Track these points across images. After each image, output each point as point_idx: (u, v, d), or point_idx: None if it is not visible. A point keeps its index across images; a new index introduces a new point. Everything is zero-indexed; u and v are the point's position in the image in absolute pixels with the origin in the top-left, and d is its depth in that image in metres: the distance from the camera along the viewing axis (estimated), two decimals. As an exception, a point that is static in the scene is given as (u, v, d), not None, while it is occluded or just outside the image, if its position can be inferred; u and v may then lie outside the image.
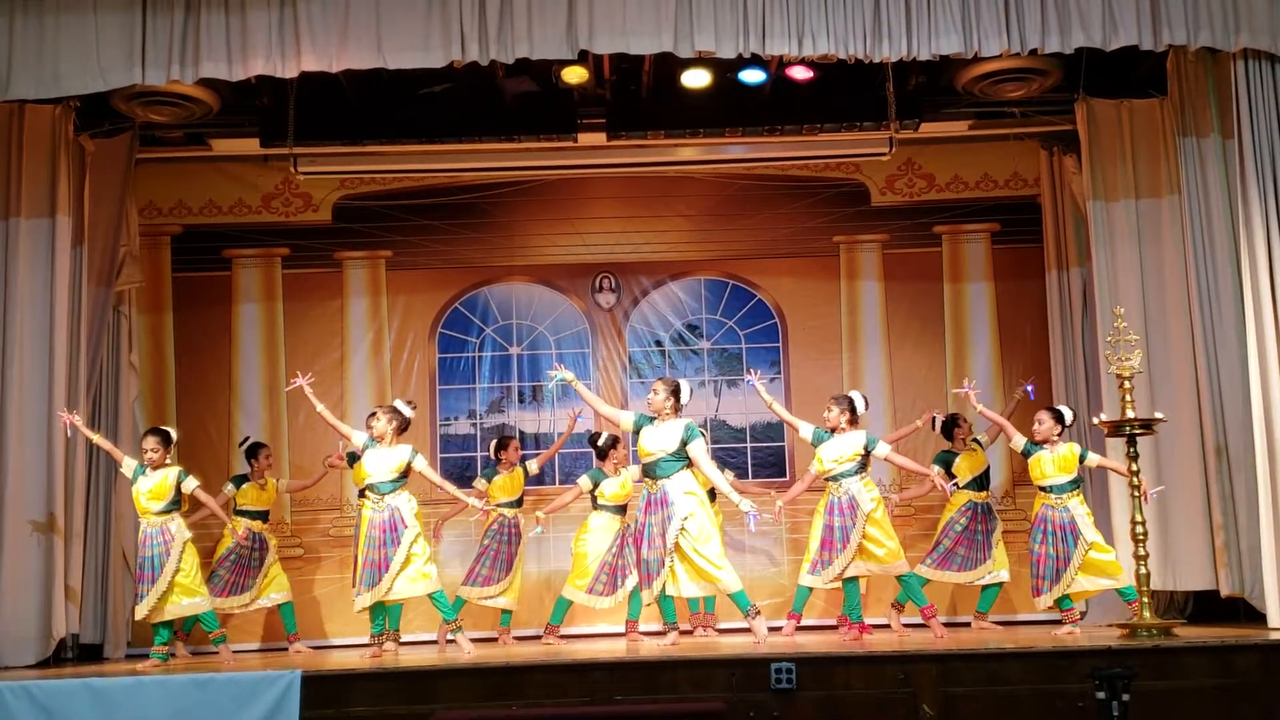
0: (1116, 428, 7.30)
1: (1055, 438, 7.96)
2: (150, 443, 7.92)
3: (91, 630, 8.69)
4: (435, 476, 8.05)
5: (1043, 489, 7.97)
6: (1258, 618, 7.49)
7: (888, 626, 8.54)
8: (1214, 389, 7.95)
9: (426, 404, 10.08)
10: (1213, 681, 6.20)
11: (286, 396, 9.85)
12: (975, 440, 8.91)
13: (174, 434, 8.18)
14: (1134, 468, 7.27)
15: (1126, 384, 7.25)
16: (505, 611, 8.92)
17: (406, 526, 7.65)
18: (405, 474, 7.81)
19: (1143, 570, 7.17)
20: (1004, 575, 8.72)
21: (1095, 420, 7.63)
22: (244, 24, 7.25)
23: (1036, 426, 8.00)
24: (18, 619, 7.80)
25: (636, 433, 7.66)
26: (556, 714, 6.15)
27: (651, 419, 7.63)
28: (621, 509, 8.70)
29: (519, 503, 9.02)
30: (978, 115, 9.57)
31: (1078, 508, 7.89)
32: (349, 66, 7.43)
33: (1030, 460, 8.02)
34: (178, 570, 7.77)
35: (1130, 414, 7.22)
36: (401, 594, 7.65)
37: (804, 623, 8.46)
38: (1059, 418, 8.02)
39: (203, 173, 10.09)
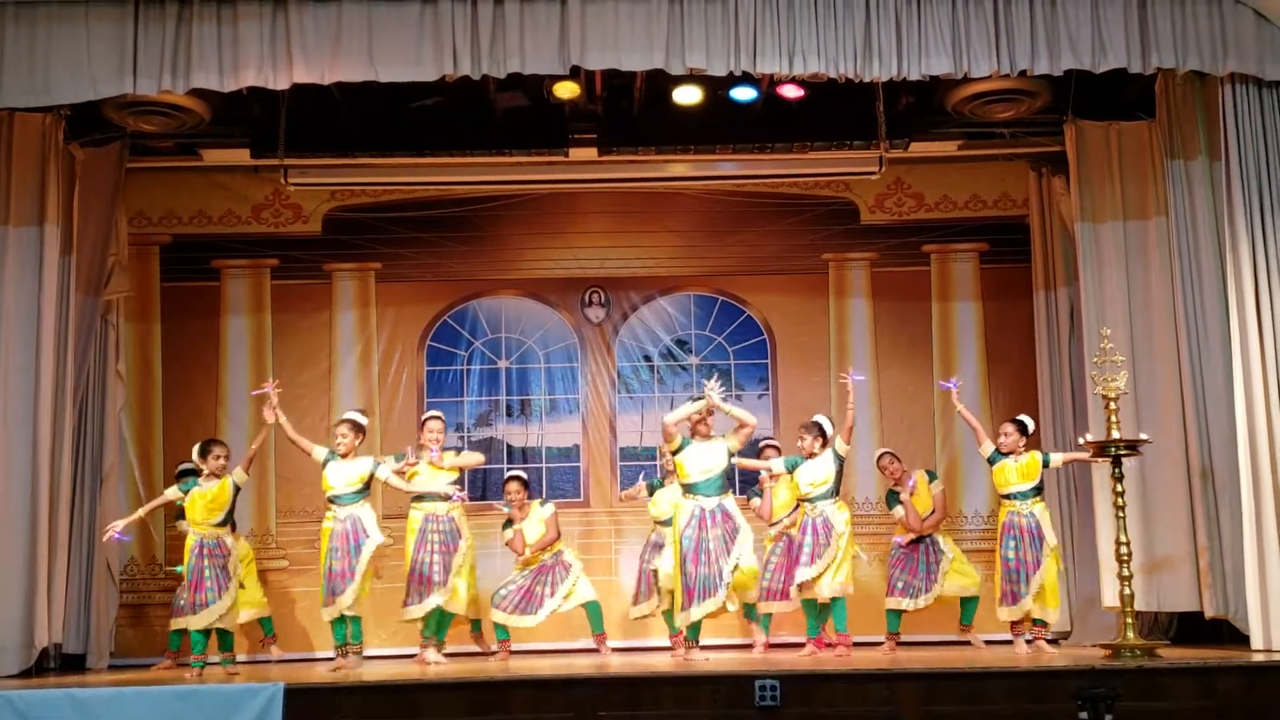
0: (1102, 448, 7.32)
1: (1020, 448, 8.04)
2: (221, 450, 7.91)
3: (74, 640, 8.66)
4: (401, 482, 8.03)
5: (1006, 496, 8.04)
6: (1241, 639, 7.50)
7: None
8: (1199, 411, 7.98)
9: (414, 417, 10.06)
10: (1196, 703, 6.19)
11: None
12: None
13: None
14: (1119, 489, 7.28)
15: (1112, 405, 7.27)
16: (473, 620, 8.81)
17: (368, 536, 7.72)
18: (368, 485, 7.87)
19: (1127, 591, 7.18)
20: (973, 590, 8.71)
21: (1081, 441, 7.65)
22: (235, 35, 7.25)
23: (1002, 439, 8.08)
24: (0, 628, 7.76)
25: (676, 453, 7.84)
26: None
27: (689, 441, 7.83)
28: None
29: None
30: (967, 135, 9.61)
31: (1042, 513, 7.98)
32: (340, 78, 7.43)
33: (995, 468, 8.09)
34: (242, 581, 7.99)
35: (1116, 435, 7.24)
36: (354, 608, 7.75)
37: (785, 640, 8.59)
38: (1022, 428, 8.10)
39: (193, 183, 10.08)
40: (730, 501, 7.79)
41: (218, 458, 7.93)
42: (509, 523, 8.63)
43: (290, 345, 10.11)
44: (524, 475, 8.82)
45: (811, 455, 8.09)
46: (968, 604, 8.77)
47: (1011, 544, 7.93)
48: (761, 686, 6.08)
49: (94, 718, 6.06)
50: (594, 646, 8.71)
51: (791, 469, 8.17)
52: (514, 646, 9.20)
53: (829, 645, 8.12)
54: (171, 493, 8.05)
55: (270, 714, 6.03)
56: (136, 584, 9.62)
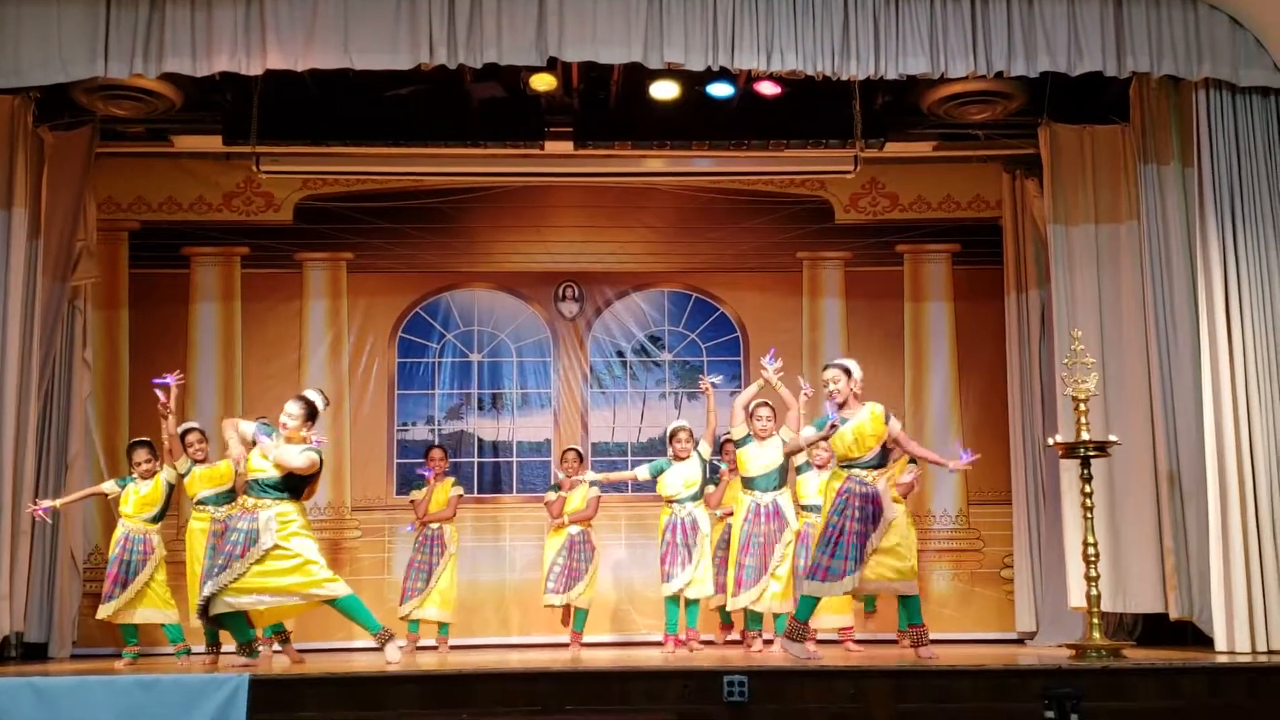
0: (1070, 449, 7.33)
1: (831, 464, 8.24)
2: (143, 455, 8.06)
3: (36, 629, 8.58)
4: (248, 453, 7.10)
5: (803, 507, 8.23)
6: (1205, 641, 7.55)
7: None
8: (1168, 413, 8.03)
9: (384, 409, 10.03)
10: (1161, 703, 6.22)
11: (243, 396, 9.83)
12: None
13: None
14: (1087, 490, 7.30)
15: (1082, 406, 7.29)
16: (442, 622, 8.92)
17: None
18: (234, 486, 8.00)
19: (1094, 591, 7.20)
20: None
21: (1050, 441, 7.66)
22: (209, 19, 7.18)
23: (820, 453, 8.24)
24: (-39, 616, 7.68)
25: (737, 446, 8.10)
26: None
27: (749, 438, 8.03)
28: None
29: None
30: (942, 136, 9.64)
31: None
32: (315, 66, 7.37)
33: (799, 479, 8.34)
34: (152, 579, 7.91)
35: (1085, 436, 7.25)
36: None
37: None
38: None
39: (163, 169, 10.00)
40: (785, 498, 8.03)
41: (139, 464, 8.07)
42: (556, 487, 8.96)
43: (260, 334, 10.03)
44: (580, 449, 9.19)
45: (681, 457, 8.41)
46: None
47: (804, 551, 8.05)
48: (730, 682, 6.07)
49: (56, 707, 5.98)
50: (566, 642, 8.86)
51: (655, 474, 8.47)
52: (480, 640, 9.24)
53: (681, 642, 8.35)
54: (108, 486, 8.22)
55: (234, 705, 5.97)
56: (100, 573, 9.46)
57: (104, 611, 7.90)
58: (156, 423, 9.56)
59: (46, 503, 8.06)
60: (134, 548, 7.94)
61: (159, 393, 7.90)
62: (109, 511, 9.41)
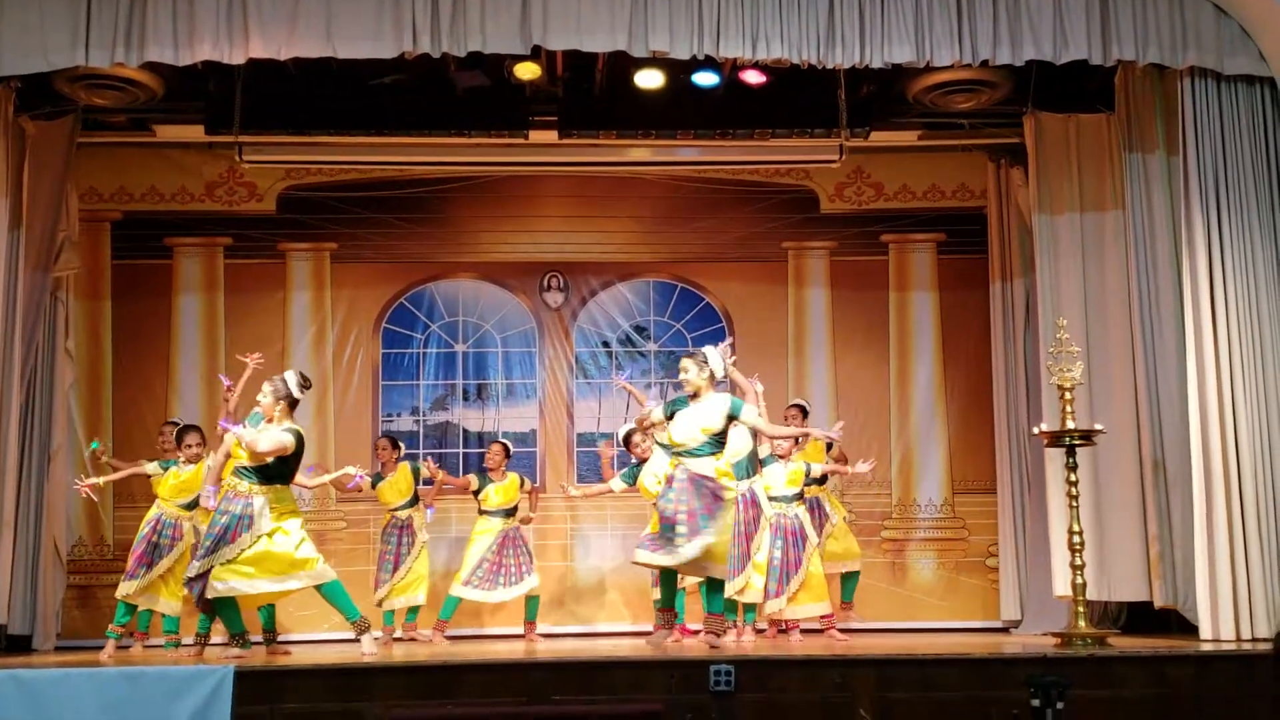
0: (1056, 438, 7.35)
1: (793, 454, 8.33)
2: (194, 438, 8.07)
3: (20, 621, 8.53)
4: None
5: (772, 498, 8.18)
6: (1190, 629, 7.58)
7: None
8: (1153, 402, 8.04)
9: (369, 400, 10.00)
10: (1146, 691, 6.26)
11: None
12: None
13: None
14: (1072, 478, 7.32)
15: (1067, 395, 7.31)
16: (411, 608, 8.93)
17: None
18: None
19: (1079, 580, 7.23)
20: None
21: (1035, 430, 7.68)
22: (191, 8, 7.12)
23: (781, 444, 8.25)
24: (-56, 609, 7.64)
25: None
26: (497, 713, 6.09)
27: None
28: (508, 513, 8.93)
29: (413, 502, 8.95)
30: (927, 125, 9.64)
31: (804, 514, 8.24)
32: (298, 54, 7.31)
33: (764, 470, 8.29)
34: (175, 566, 7.89)
35: (1070, 425, 7.27)
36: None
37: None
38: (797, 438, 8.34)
39: (146, 159, 9.94)
40: (759, 486, 8.02)
41: (189, 446, 8.05)
42: (484, 472, 8.99)
43: (243, 326, 9.97)
44: (507, 443, 9.21)
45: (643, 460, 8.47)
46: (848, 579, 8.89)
47: (778, 543, 8.10)
48: (716, 671, 6.08)
49: (39, 699, 5.96)
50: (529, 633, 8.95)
51: (631, 481, 8.55)
52: (464, 631, 9.22)
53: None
54: (151, 468, 8.20)
55: (220, 696, 5.96)
56: (84, 565, 9.50)
57: (124, 589, 7.87)
58: (137, 413, 9.61)
59: (91, 480, 8.15)
60: (164, 531, 7.94)
61: (224, 378, 7.73)
62: (92, 504, 9.37)
